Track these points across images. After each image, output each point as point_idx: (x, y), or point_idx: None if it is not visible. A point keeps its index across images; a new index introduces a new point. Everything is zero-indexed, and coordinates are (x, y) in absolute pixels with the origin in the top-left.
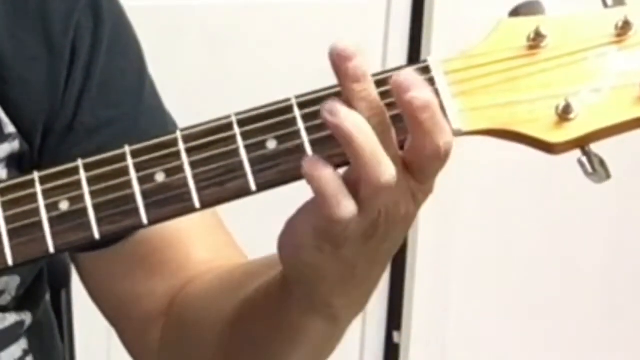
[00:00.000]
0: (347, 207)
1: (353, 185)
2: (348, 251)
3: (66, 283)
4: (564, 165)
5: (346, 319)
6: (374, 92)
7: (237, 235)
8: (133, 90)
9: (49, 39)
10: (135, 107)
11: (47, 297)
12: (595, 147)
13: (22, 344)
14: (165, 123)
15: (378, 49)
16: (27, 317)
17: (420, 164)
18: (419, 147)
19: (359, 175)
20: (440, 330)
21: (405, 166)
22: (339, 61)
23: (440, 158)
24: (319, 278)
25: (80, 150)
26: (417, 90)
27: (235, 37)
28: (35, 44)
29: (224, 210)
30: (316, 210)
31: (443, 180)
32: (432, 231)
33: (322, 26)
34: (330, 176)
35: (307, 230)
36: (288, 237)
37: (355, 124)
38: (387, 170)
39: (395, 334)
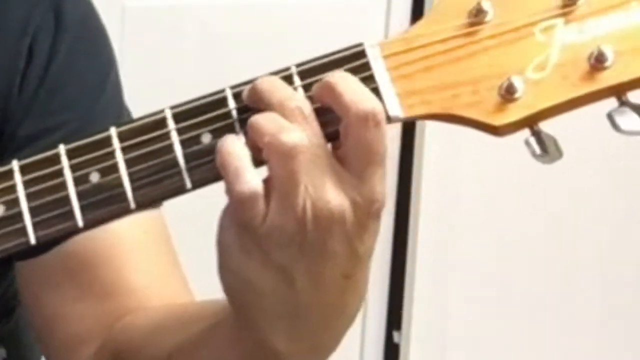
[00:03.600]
0: (248, 181)
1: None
2: (279, 258)
3: None
4: (564, 164)
5: None
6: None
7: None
8: (90, 93)
9: (5, 45)
10: (89, 111)
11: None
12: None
13: (1, 353)
14: None
15: None
16: None
17: (349, 142)
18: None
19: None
20: (440, 330)
21: (339, 160)
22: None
23: (367, 126)
24: (258, 298)
25: (20, 158)
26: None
27: (235, 37)
28: None
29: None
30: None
31: (443, 180)
32: (432, 231)
33: (322, 26)
34: (231, 148)
35: (230, 230)
36: (218, 247)
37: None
38: (293, 136)
39: (395, 334)
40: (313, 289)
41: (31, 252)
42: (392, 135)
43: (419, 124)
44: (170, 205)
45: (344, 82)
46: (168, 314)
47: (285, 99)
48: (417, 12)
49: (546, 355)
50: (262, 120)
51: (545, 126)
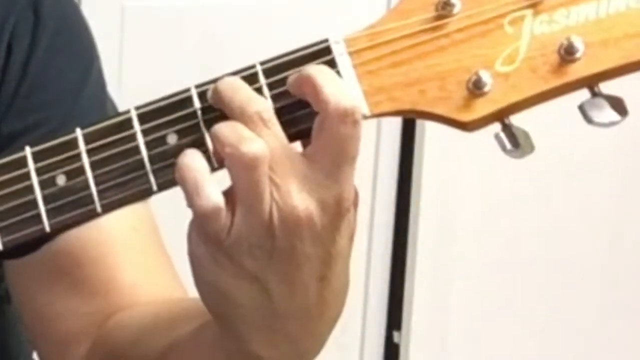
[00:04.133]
0: (208, 196)
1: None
2: (251, 266)
3: None
4: (564, 164)
5: None
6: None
7: None
8: (71, 90)
9: None
10: (70, 109)
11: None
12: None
13: None
14: None
15: None
16: None
17: (320, 137)
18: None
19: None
20: (440, 330)
21: (307, 158)
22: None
23: (345, 122)
24: (235, 308)
25: (1, 157)
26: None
27: (235, 37)
28: None
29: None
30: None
31: (443, 180)
32: (432, 231)
33: (322, 26)
34: (189, 163)
35: (198, 242)
36: (190, 260)
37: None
38: (253, 147)
39: (395, 334)
40: (288, 295)
41: (19, 251)
42: (392, 135)
43: (419, 123)
44: (158, 199)
45: (323, 75)
46: (157, 314)
47: (244, 103)
48: None
49: (546, 355)
50: (223, 130)
51: (542, 124)
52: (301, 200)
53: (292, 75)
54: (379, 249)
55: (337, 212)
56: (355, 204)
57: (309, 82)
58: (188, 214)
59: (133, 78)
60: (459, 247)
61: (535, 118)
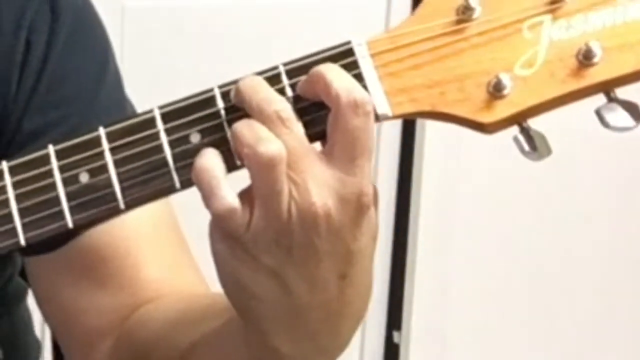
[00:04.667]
0: (222, 197)
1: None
2: (270, 262)
3: None
4: (564, 164)
5: None
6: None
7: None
8: (89, 86)
9: (0, 39)
10: (89, 105)
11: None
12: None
13: None
14: None
15: None
16: None
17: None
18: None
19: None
20: (440, 330)
21: (325, 156)
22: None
23: (357, 113)
24: (257, 303)
25: (26, 153)
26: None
27: (235, 37)
28: None
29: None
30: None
31: (443, 180)
32: (432, 231)
33: (322, 26)
34: (204, 164)
35: (219, 240)
36: (213, 256)
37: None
38: (270, 147)
39: (395, 334)
40: (308, 291)
41: (43, 248)
42: (392, 135)
43: (419, 123)
44: (178, 197)
45: (331, 71)
46: (182, 309)
47: (263, 102)
48: None
49: (546, 355)
50: (241, 130)
51: (542, 124)
52: (319, 196)
53: (299, 83)
54: (378, 249)
55: (357, 208)
56: (375, 201)
57: (319, 78)
58: (207, 212)
59: (133, 78)
60: (458, 247)
61: (536, 118)
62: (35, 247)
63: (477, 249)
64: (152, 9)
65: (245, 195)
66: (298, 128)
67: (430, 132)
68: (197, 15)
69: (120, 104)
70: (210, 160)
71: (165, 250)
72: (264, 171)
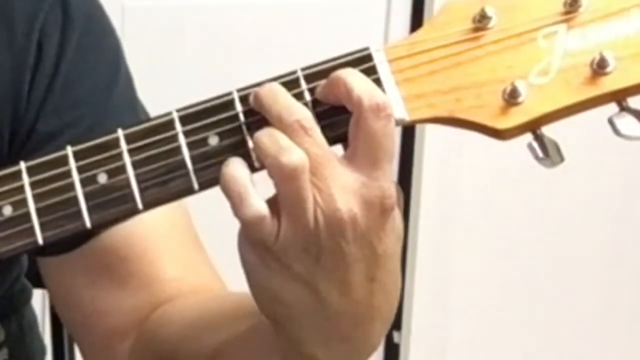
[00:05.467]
0: (251, 205)
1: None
2: (300, 269)
3: None
4: (564, 165)
5: None
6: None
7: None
8: (102, 87)
9: (12, 42)
10: (103, 106)
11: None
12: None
13: (3, 354)
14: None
15: None
16: None
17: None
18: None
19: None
20: (440, 330)
21: (347, 160)
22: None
23: (379, 117)
24: (288, 310)
25: (43, 154)
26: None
27: (235, 37)
28: None
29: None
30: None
31: (443, 180)
32: (432, 231)
33: (322, 26)
34: (233, 173)
35: (248, 249)
36: (243, 266)
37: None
38: (292, 158)
39: (395, 334)
40: (339, 296)
41: (62, 248)
42: None
43: (419, 125)
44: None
45: (352, 75)
46: (206, 309)
47: (284, 111)
48: (417, 12)
49: (546, 355)
50: (263, 140)
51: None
52: (344, 202)
53: (318, 87)
54: None
55: (381, 211)
56: (399, 202)
57: (340, 83)
58: (221, 215)
59: (133, 78)
60: (458, 247)
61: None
62: (54, 248)
63: (477, 249)
64: (152, 9)
65: (272, 205)
66: (319, 135)
67: (430, 134)
68: (197, 15)
69: (132, 105)
70: (237, 168)
71: (182, 249)
72: (288, 181)
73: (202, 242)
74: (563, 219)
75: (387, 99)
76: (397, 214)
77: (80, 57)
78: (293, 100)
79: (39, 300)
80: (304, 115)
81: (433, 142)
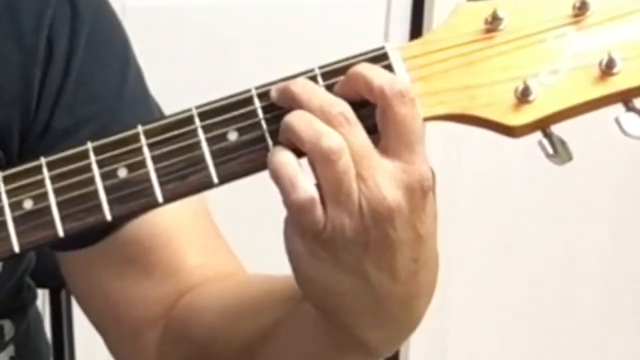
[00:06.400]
0: (303, 188)
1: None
2: (348, 259)
3: (65, 283)
4: (563, 165)
5: (382, 354)
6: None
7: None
8: (114, 82)
9: (20, 38)
10: (116, 101)
11: (38, 301)
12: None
13: (9, 351)
14: (149, 116)
15: None
16: (6, 324)
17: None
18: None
19: (312, 161)
20: (440, 331)
21: (384, 151)
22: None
23: (404, 102)
24: (338, 299)
25: (58, 151)
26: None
27: (235, 37)
28: (5, 45)
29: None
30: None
31: (443, 180)
32: None
33: (322, 26)
34: (282, 159)
35: (295, 239)
36: (290, 257)
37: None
38: (333, 141)
39: None
40: (388, 281)
41: (86, 241)
42: None
43: None
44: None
45: (369, 69)
46: (239, 297)
47: (325, 104)
48: (417, 12)
49: (546, 356)
50: (299, 125)
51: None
52: (389, 191)
53: (337, 84)
54: None
55: (422, 194)
56: (434, 182)
57: (359, 77)
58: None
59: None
60: (458, 247)
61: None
62: (77, 241)
63: (477, 249)
64: (152, 9)
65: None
66: (360, 127)
67: (429, 133)
68: (197, 15)
69: (144, 99)
70: (285, 154)
71: (204, 236)
72: (330, 165)
73: (219, 229)
74: (563, 218)
75: (407, 84)
76: (432, 193)
77: (91, 53)
78: (331, 95)
79: (39, 300)
80: (345, 107)
81: (433, 141)
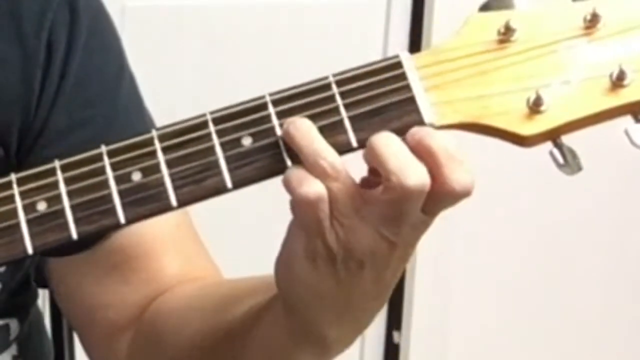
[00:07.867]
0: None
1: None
2: (343, 273)
3: None
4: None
5: (336, 351)
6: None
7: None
8: (110, 88)
9: (21, 40)
10: (112, 107)
11: (38, 301)
12: (585, 142)
13: (12, 350)
14: (142, 124)
15: (378, 49)
16: (12, 323)
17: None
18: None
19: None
20: (440, 330)
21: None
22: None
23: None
24: (316, 300)
25: (50, 152)
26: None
27: (235, 37)
28: (6, 47)
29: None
30: (302, 227)
31: None
32: (432, 231)
33: (322, 26)
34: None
35: (298, 235)
36: (282, 255)
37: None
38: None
39: (395, 334)
40: (364, 298)
41: (73, 249)
42: None
43: None
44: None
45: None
46: (206, 293)
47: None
48: (417, 12)
49: (546, 356)
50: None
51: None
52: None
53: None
54: None
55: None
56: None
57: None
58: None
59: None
60: (459, 247)
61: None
62: (69, 248)
63: (478, 249)
64: (152, 8)
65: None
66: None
67: None
68: (197, 14)
69: (138, 104)
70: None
71: (185, 246)
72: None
73: (200, 237)
74: (563, 220)
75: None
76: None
77: (88, 56)
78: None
79: (39, 300)
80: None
81: None
